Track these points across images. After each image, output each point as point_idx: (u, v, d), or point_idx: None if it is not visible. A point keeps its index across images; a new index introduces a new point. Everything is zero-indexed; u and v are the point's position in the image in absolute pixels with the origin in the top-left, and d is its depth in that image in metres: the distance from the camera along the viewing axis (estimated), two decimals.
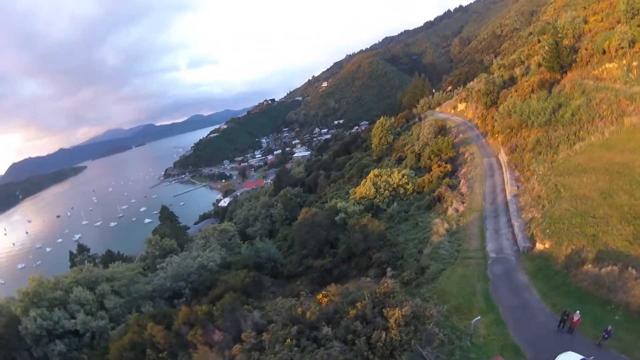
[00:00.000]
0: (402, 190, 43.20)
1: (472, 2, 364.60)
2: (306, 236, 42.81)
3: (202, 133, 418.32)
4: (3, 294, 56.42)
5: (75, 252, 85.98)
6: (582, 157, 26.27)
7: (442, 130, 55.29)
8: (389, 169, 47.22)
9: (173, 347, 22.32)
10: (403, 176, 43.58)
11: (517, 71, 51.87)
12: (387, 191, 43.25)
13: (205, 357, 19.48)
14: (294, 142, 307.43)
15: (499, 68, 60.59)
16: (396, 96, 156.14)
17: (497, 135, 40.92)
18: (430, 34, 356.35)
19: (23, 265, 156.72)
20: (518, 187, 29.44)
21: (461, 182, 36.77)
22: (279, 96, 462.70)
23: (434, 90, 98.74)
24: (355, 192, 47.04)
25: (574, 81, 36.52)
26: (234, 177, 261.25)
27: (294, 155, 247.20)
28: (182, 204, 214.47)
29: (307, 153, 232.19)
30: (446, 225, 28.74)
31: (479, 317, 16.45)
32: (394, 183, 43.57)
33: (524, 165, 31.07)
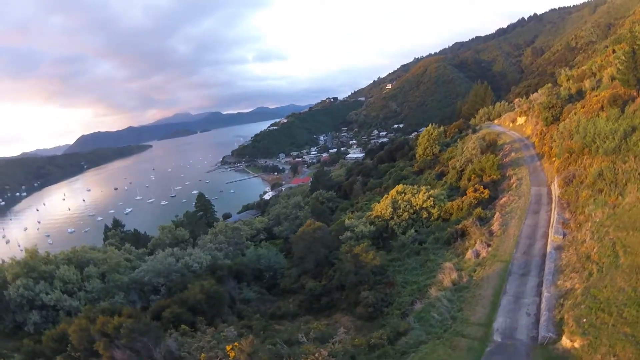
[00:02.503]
0: (425, 215, 35.82)
1: (547, 11, 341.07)
2: (304, 251, 37.42)
3: (265, 125, 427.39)
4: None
5: (110, 226, 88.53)
6: None
7: (491, 146, 46.49)
8: (415, 187, 40.00)
9: (85, 352, 20.25)
10: (429, 197, 36.18)
11: (587, 84, 41.93)
12: (406, 213, 36.11)
13: None
14: (350, 142, 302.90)
15: (567, 80, 50.11)
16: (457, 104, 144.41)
17: (554, 159, 32.14)
18: (501, 41, 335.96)
19: (73, 229, 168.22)
20: (564, 236, 21.37)
21: (495, 216, 28.82)
22: (343, 95, 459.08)
23: (496, 100, 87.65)
24: (374, 209, 40.59)
25: None
26: (286, 172, 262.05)
27: (348, 156, 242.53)
28: (232, 191, 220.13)
29: (361, 155, 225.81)
30: (454, 275, 21.52)
31: None
32: (417, 204, 36.32)
33: (578, 204, 22.76)
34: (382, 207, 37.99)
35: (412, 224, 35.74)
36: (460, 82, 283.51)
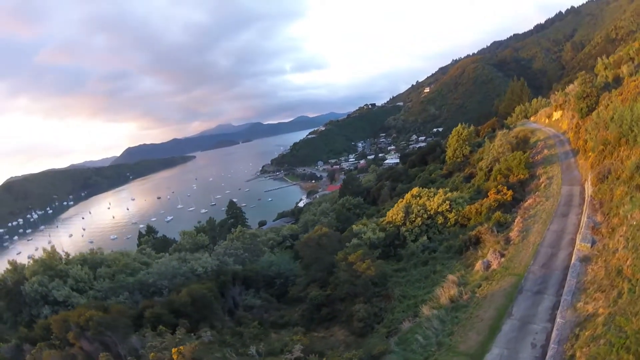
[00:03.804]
0: (440, 220, 32.08)
1: (585, 2, 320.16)
2: (310, 259, 34.99)
3: (306, 133, 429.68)
4: None
5: (144, 232, 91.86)
6: None
7: (522, 143, 41.68)
8: (433, 190, 36.36)
9: (64, 341, 21.62)
10: (444, 201, 32.39)
11: (624, 70, 37.02)
12: (419, 218, 32.53)
13: (50, 357, 19.24)
14: (389, 148, 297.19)
15: (605, 68, 44.30)
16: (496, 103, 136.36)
17: (589, 153, 27.47)
18: (540, 37, 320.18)
19: (115, 236, 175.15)
20: (593, 244, 17.31)
21: (516, 220, 24.80)
22: (382, 101, 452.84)
23: (533, 98, 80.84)
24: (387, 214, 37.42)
25: None
26: (324, 179, 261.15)
27: (385, 162, 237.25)
28: (270, 199, 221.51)
29: (398, 160, 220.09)
30: (454, 291, 18.03)
31: None
32: (432, 209, 32.65)
33: (612, 205, 18.58)
34: (393, 212, 34.71)
35: (426, 230, 32.15)
36: (499, 81, 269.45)
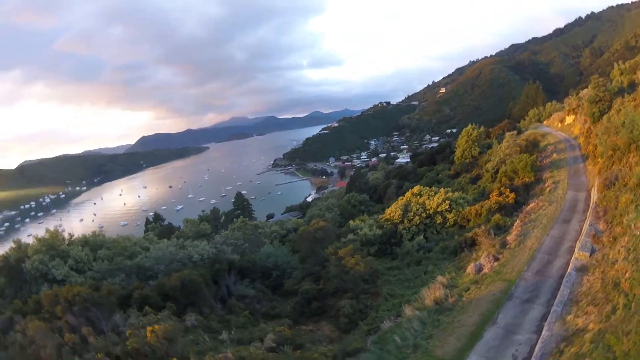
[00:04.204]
0: (439, 220, 31.16)
1: (605, 9, 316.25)
2: (306, 252, 34.56)
3: (319, 129, 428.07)
4: None
5: (152, 219, 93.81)
6: None
7: (531, 146, 40.30)
8: (434, 189, 35.44)
9: (53, 314, 22.23)
10: (444, 201, 31.42)
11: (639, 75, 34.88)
12: (417, 217, 31.66)
13: (36, 328, 19.65)
14: (401, 147, 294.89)
15: (620, 73, 42.52)
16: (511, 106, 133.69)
17: (598, 159, 26.21)
18: (558, 42, 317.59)
19: (126, 223, 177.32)
20: (592, 254, 16.32)
21: (515, 224, 23.79)
22: (396, 99, 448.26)
23: (548, 102, 78.75)
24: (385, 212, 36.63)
25: None
26: (334, 175, 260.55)
27: (397, 161, 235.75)
28: (279, 193, 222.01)
29: (409, 159, 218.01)
30: (439, 293, 17.20)
31: None
32: (431, 208, 31.73)
33: (616, 212, 17.51)
34: (392, 209, 33.90)
35: (424, 229, 31.28)
36: (516, 84, 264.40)
